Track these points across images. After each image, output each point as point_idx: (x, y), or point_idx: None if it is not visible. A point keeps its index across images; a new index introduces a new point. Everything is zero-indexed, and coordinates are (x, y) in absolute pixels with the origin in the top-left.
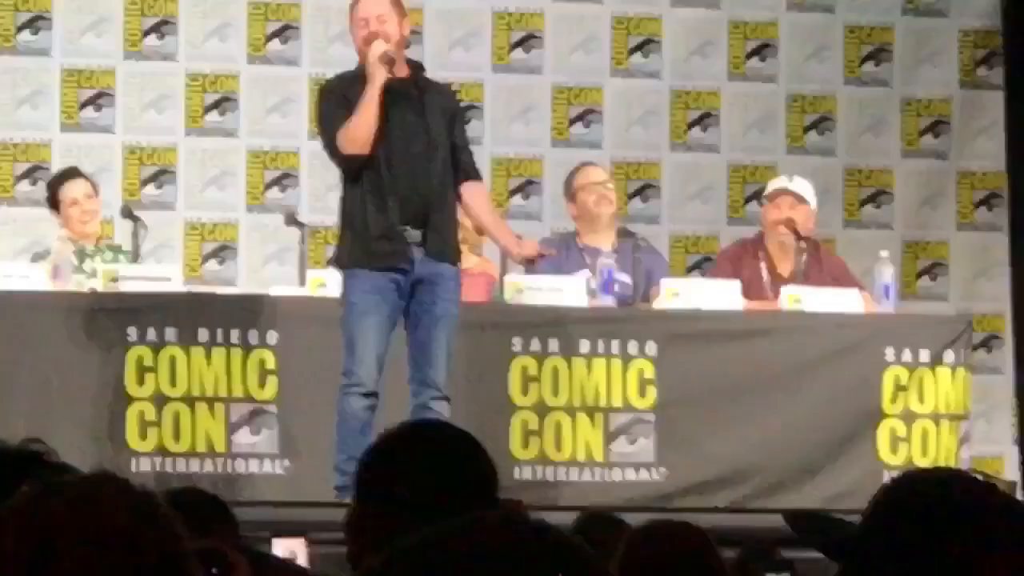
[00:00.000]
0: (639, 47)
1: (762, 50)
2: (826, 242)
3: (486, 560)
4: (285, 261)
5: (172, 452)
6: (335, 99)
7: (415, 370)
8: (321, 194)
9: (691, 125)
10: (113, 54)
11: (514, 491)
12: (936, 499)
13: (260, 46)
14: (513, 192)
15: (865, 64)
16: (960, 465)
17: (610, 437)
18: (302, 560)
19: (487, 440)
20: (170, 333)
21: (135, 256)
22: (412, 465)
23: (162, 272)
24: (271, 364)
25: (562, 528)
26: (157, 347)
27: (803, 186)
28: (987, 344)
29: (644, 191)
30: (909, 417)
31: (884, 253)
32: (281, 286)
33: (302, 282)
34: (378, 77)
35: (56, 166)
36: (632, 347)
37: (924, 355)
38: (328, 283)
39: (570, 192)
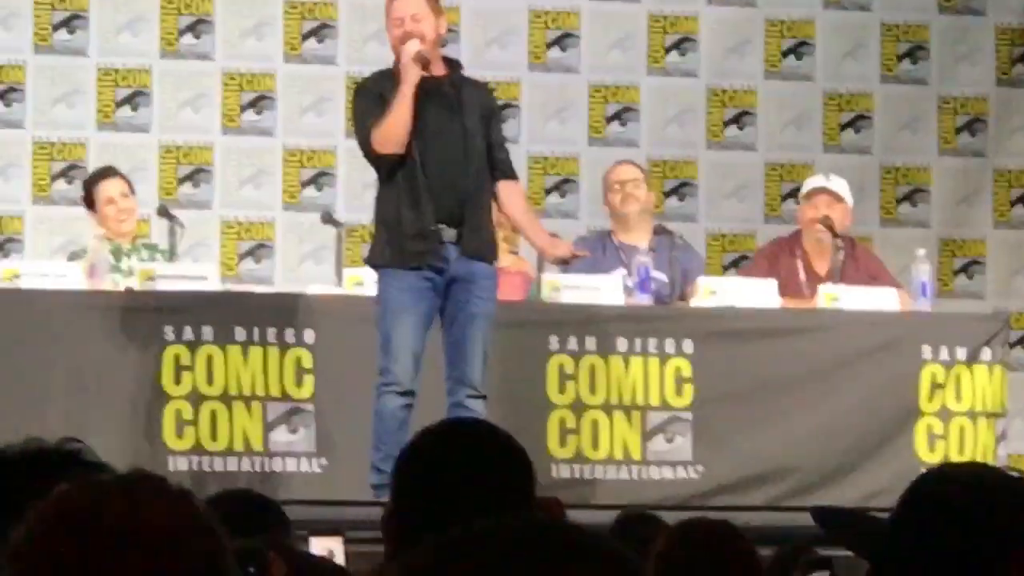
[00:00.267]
0: (675, 45)
1: (798, 48)
2: (863, 240)
3: (521, 563)
4: (321, 260)
5: (209, 451)
6: (370, 98)
7: (451, 368)
8: (357, 192)
9: (727, 123)
10: (149, 53)
11: (551, 489)
12: (967, 494)
13: (296, 45)
14: (550, 190)
15: (902, 62)
16: (997, 463)
17: (647, 435)
18: (339, 559)
19: (524, 438)
20: (207, 332)
21: (171, 255)
22: (449, 464)
23: (199, 271)
24: (308, 363)
25: (600, 527)
26: (194, 346)
27: (840, 184)
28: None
29: (681, 189)
30: (946, 415)
31: (921, 251)
32: (317, 285)
33: (338, 281)
34: (411, 76)
35: (92, 165)
36: (669, 345)
37: (961, 353)
38: (365, 281)
39: (604, 190)
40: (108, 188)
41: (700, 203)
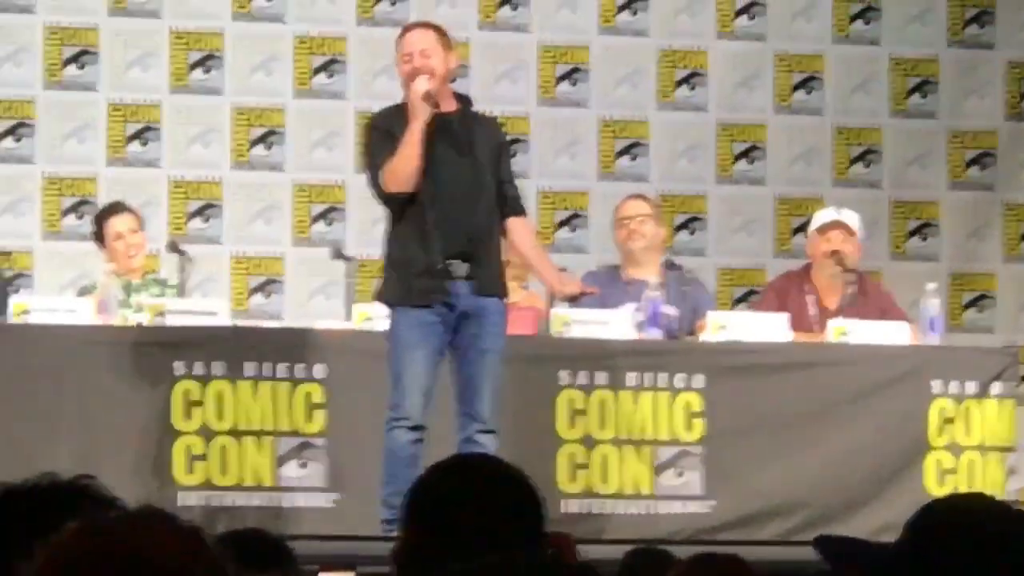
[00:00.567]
0: (685, 80)
1: (808, 82)
2: (872, 274)
3: None
4: (331, 295)
5: (219, 486)
6: (380, 135)
7: (462, 403)
8: (367, 227)
9: (737, 157)
10: (159, 88)
11: (562, 524)
12: (973, 524)
13: (306, 79)
14: (560, 225)
15: (911, 96)
16: (1006, 497)
17: (657, 470)
18: None
19: (534, 473)
20: (217, 367)
21: (182, 290)
22: (459, 499)
23: (208, 306)
24: (318, 398)
25: (610, 562)
26: (204, 381)
27: (851, 218)
28: None
29: (690, 224)
30: (956, 449)
31: (931, 285)
32: (327, 320)
33: (348, 316)
34: (420, 115)
35: (102, 200)
36: (679, 380)
37: (971, 387)
38: (374, 317)
39: (613, 226)
40: (118, 223)
41: (710, 237)
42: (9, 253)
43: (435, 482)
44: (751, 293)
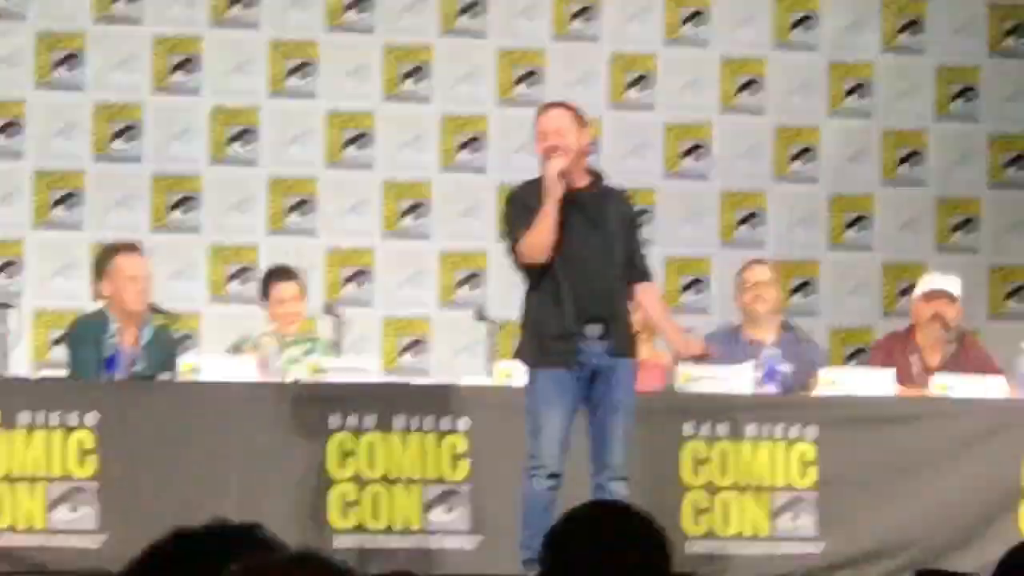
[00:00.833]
0: (798, 155)
1: (912, 157)
2: (972, 333)
3: None
4: (474, 353)
5: (371, 530)
6: (518, 208)
7: (595, 453)
8: (507, 291)
9: (847, 227)
10: (314, 162)
11: (687, 565)
12: None
13: (451, 156)
14: (685, 288)
15: (1007, 169)
16: None
17: (774, 514)
18: None
19: (661, 517)
20: (369, 420)
21: (336, 349)
22: (594, 542)
23: (361, 364)
24: (462, 448)
25: None
26: (357, 433)
27: (954, 284)
28: None
29: (803, 287)
30: None
31: None
32: (470, 376)
33: (489, 372)
34: (554, 193)
35: (264, 265)
36: (794, 431)
37: None
38: (513, 374)
39: (736, 289)
40: (283, 291)
41: (821, 300)
42: (178, 315)
43: (571, 526)
44: (860, 351)
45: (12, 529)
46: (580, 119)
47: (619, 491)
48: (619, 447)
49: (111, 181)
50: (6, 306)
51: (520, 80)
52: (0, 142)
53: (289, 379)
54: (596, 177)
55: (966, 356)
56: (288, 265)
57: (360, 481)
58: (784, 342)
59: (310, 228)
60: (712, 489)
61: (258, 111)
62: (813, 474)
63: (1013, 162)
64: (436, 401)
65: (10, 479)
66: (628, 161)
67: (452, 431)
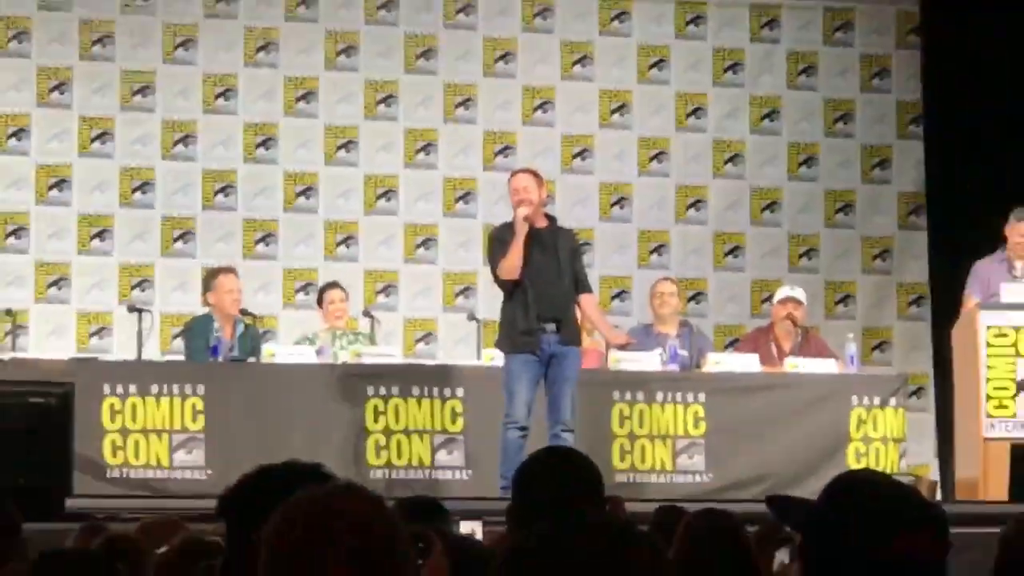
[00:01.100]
0: (693, 205)
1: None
2: (813, 328)
3: (592, 544)
4: (468, 343)
5: (396, 466)
6: (496, 243)
7: (551, 412)
8: (491, 299)
9: (726, 255)
10: (356, 210)
11: (615, 491)
12: (866, 490)
13: (452, 206)
14: (613, 298)
15: (839, 214)
16: (900, 472)
17: (676, 454)
18: (479, 535)
19: (597, 458)
20: (395, 389)
21: (372, 340)
22: (549, 474)
23: (389, 351)
24: (459, 409)
25: (646, 514)
26: (386, 399)
27: (800, 293)
28: (917, 393)
29: (697, 296)
30: (867, 440)
31: (850, 335)
32: (465, 359)
33: (479, 357)
34: (520, 231)
35: (322, 282)
36: (690, 396)
37: (876, 400)
38: (495, 358)
39: (650, 298)
40: (333, 296)
41: (709, 306)
42: (262, 317)
43: (533, 464)
44: (735, 341)
45: (146, 466)
46: (539, 180)
47: (568, 439)
48: (568, 408)
49: (214, 224)
50: (142, 311)
51: (498, 153)
52: (138, 198)
53: (339, 362)
54: (551, 220)
55: (809, 344)
56: (335, 280)
57: (388, 432)
58: (683, 335)
59: (353, 256)
60: (633, 437)
61: (317, 175)
62: (703, 426)
63: (841, 210)
64: (442, 376)
65: (144, 431)
66: (575, 210)
67: (452, 397)
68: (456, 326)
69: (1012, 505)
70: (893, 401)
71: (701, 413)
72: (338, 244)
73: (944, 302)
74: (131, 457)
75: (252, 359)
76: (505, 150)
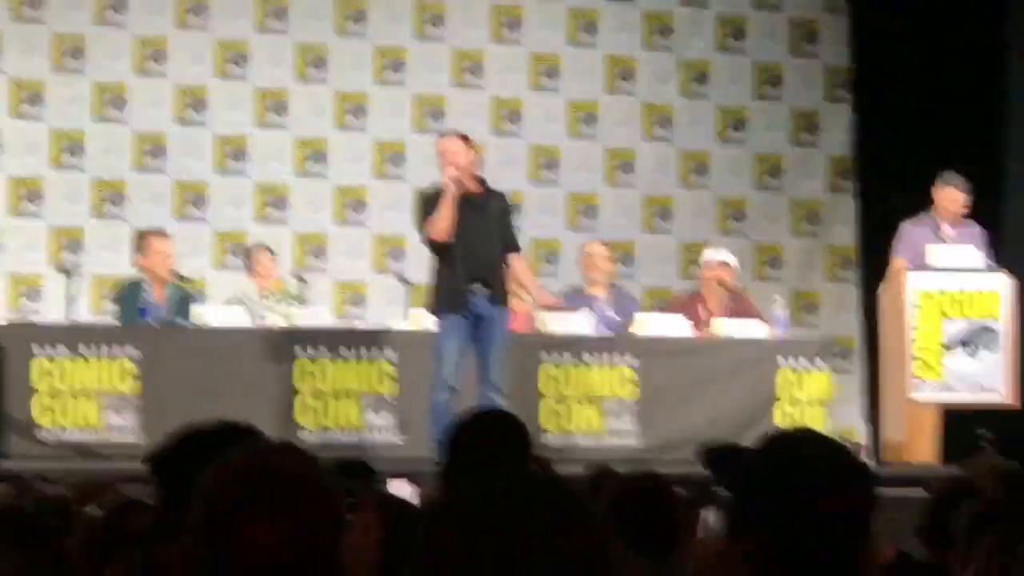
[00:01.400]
0: (622, 167)
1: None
2: (742, 290)
3: (519, 499)
4: (396, 304)
5: (327, 427)
6: (425, 204)
7: (480, 373)
8: (421, 262)
9: (656, 217)
10: (288, 172)
11: (543, 452)
12: (792, 450)
13: (383, 170)
14: (543, 261)
15: (766, 176)
16: (826, 431)
17: (605, 416)
18: (411, 497)
19: (526, 418)
20: (324, 351)
21: (302, 301)
22: (479, 435)
23: (319, 314)
24: (391, 371)
25: (575, 476)
26: (315, 360)
27: (729, 256)
28: (843, 355)
29: (626, 260)
30: (794, 401)
31: (778, 298)
32: (395, 321)
33: (405, 317)
34: (449, 191)
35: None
36: (619, 359)
37: (803, 362)
38: (424, 320)
39: (581, 261)
40: (260, 256)
41: (639, 270)
42: (193, 280)
43: (463, 424)
44: (665, 304)
45: (77, 427)
46: (469, 143)
47: (497, 400)
48: (497, 369)
49: (144, 186)
50: (71, 273)
51: (428, 116)
52: (68, 160)
53: (266, 321)
54: (482, 182)
55: (738, 307)
56: (262, 242)
57: (318, 394)
58: (613, 297)
59: (284, 219)
60: (560, 399)
61: (247, 138)
62: (632, 389)
63: (770, 173)
64: (372, 339)
65: (75, 393)
66: (504, 172)
67: (382, 359)
68: (386, 289)
69: (939, 467)
70: (819, 363)
71: (630, 375)
72: (268, 206)
73: (872, 266)
74: (61, 418)
75: (183, 321)
76: (435, 113)
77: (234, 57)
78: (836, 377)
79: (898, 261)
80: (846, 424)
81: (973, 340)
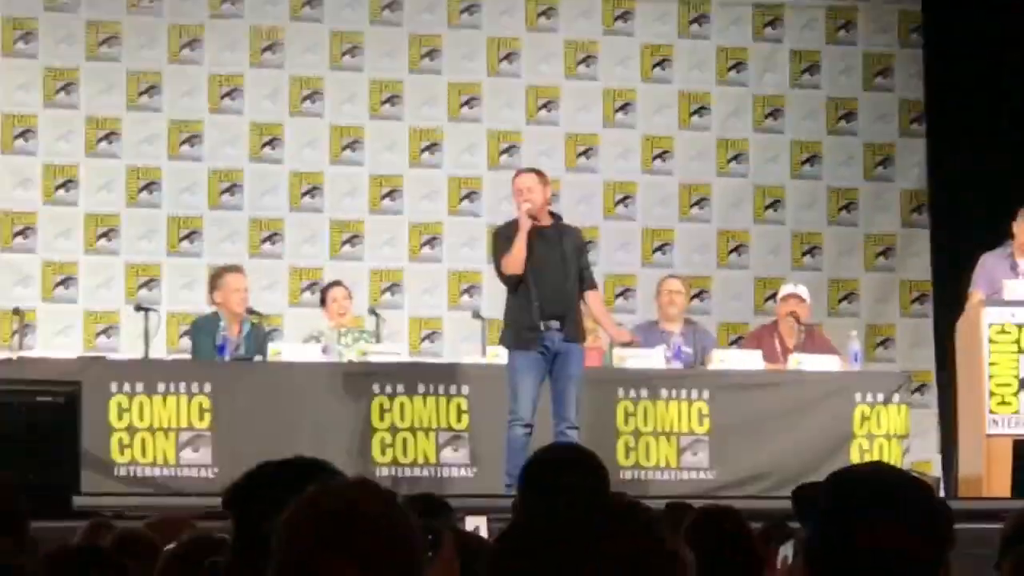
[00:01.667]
0: (697, 203)
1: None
2: (817, 325)
3: (601, 529)
4: (472, 340)
5: (402, 463)
6: (501, 239)
7: (556, 409)
8: (495, 297)
9: (729, 252)
10: (362, 208)
11: (620, 487)
12: (860, 483)
13: (456, 205)
14: (618, 295)
15: (842, 212)
16: (903, 466)
17: (681, 451)
18: (484, 532)
19: (602, 454)
20: (400, 387)
21: (378, 338)
22: (555, 471)
23: (395, 348)
24: (464, 406)
25: (653, 510)
26: (391, 396)
27: (803, 290)
28: (920, 390)
29: (701, 294)
30: (871, 437)
31: (853, 333)
32: (470, 356)
33: (483, 354)
34: (524, 226)
35: (326, 281)
36: (694, 394)
37: (880, 397)
38: (499, 355)
39: (657, 295)
40: (337, 294)
41: (714, 304)
42: (268, 315)
43: (539, 459)
44: (739, 338)
45: (154, 464)
46: (544, 179)
47: (573, 436)
48: (572, 405)
49: (220, 223)
50: (149, 310)
51: (503, 152)
52: (144, 198)
53: (343, 359)
54: (556, 218)
55: (812, 341)
56: (338, 279)
57: (394, 430)
58: (687, 332)
59: (359, 255)
60: (637, 434)
61: (323, 174)
62: (708, 424)
63: (844, 208)
64: (447, 374)
65: (151, 430)
66: (579, 208)
67: (458, 394)
68: (461, 324)
69: (1014, 501)
70: (896, 398)
71: (705, 410)
72: (343, 243)
73: (947, 299)
74: (138, 455)
75: (258, 357)
76: (510, 149)
77: (308, 94)
78: (912, 412)
79: (976, 294)
80: (922, 459)
81: None
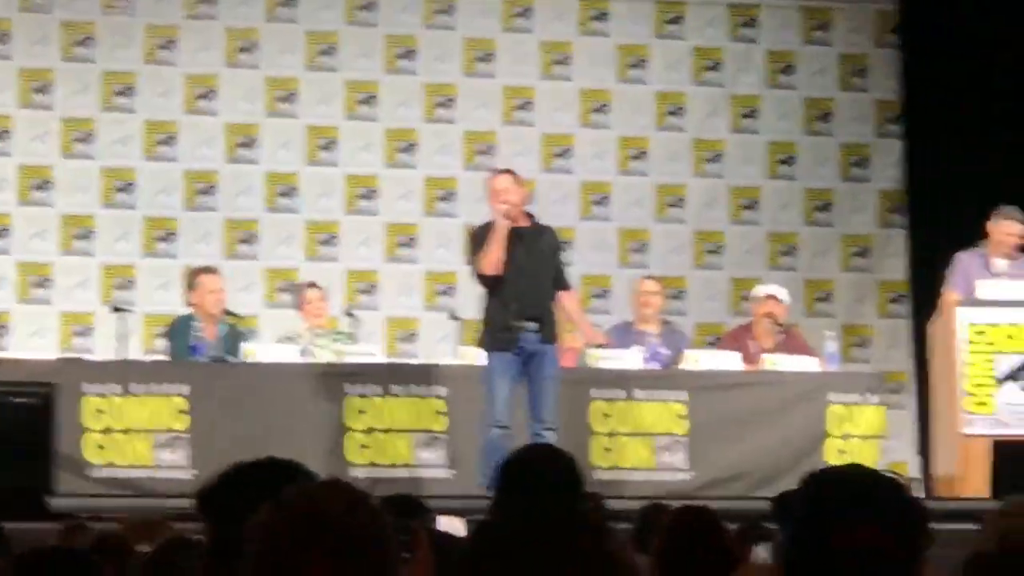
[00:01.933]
0: (674, 204)
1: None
2: (794, 326)
3: (566, 536)
4: (448, 342)
5: (379, 464)
6: (476, 239)
7: (531, 410)
8: (470, 298)
9: (707, 253)
10: (337, 210)
11: (595, 487)
12: (836, 484)
13: (432, 206)
14: (593, 297)
15: (816, 212)
16: (880, 469)
17: (657, 452)
18: (461, 533)
19: (577, 454)
20: (375, 388)
21: (353, 339)
22: (530, 471)
23: (370, 350)
24: (442, 408)
25: (628, 510)
26: (367, 396)
27: (780, 291)
28: (895, 390)
29: (678, 295)
30: (847, 437)
31: (830, 333)
32: (446, 358)
33: (457, 355)
34: (500, 226)
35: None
36: (670, 394)
37: (856, 397)
38: (475, 356)
39: (633, 296)
40: (310, 295)
41: (690, 305)
42: (244, 317)
43: (516, 460)
44: (716, 339)
45: (130, 466)
46: (519, 180)
47: (549, 437)
48: (548, 406)
49: (195, 224)
50: (124, 311)
51: (479, 153)
52: (120, 199)
53: (319, 360)
54: (532, 219)
55: (789, 342)
56: (312, 280)
57: (370, 431)
58: (663, 333)
59: (335, 256)
60: (613, 435)
61: (298, 175)
62: (685, 424)
63: (820, 208)
64: (423, 375)
65: (127, 431)
66: (555, 209)
67: (434, 396)
68: (437, 325)
69: (992, 501)
70: (872, 398)
71: (683, 411)
72: (319, 244)
73: (924, 300)
74: (114, 456)
75: (232, 358)
76: (485, 150)
77: (284, 95)
78: (888, 412)
79: (951, 294)
80: (897, 458)
81: None
